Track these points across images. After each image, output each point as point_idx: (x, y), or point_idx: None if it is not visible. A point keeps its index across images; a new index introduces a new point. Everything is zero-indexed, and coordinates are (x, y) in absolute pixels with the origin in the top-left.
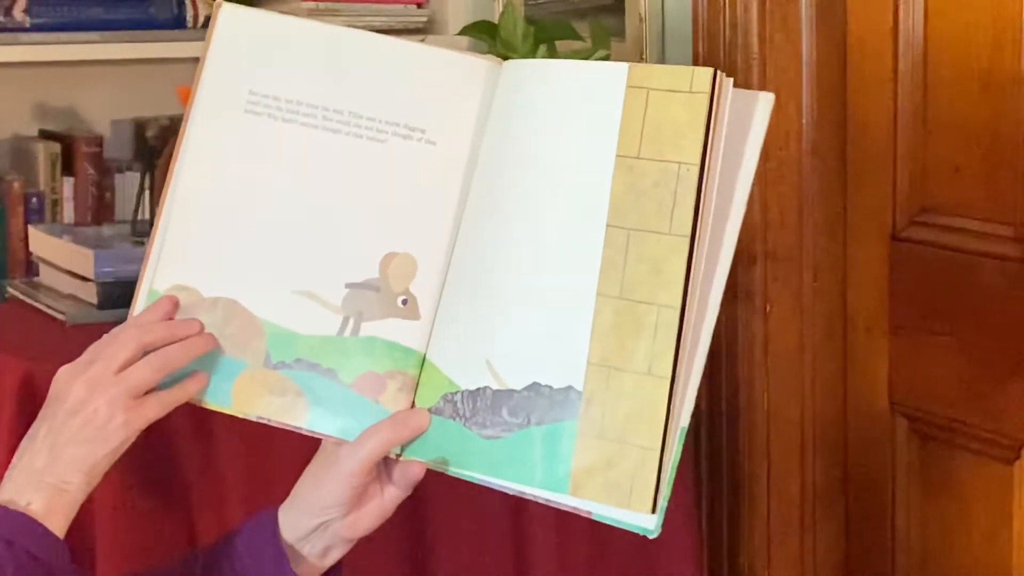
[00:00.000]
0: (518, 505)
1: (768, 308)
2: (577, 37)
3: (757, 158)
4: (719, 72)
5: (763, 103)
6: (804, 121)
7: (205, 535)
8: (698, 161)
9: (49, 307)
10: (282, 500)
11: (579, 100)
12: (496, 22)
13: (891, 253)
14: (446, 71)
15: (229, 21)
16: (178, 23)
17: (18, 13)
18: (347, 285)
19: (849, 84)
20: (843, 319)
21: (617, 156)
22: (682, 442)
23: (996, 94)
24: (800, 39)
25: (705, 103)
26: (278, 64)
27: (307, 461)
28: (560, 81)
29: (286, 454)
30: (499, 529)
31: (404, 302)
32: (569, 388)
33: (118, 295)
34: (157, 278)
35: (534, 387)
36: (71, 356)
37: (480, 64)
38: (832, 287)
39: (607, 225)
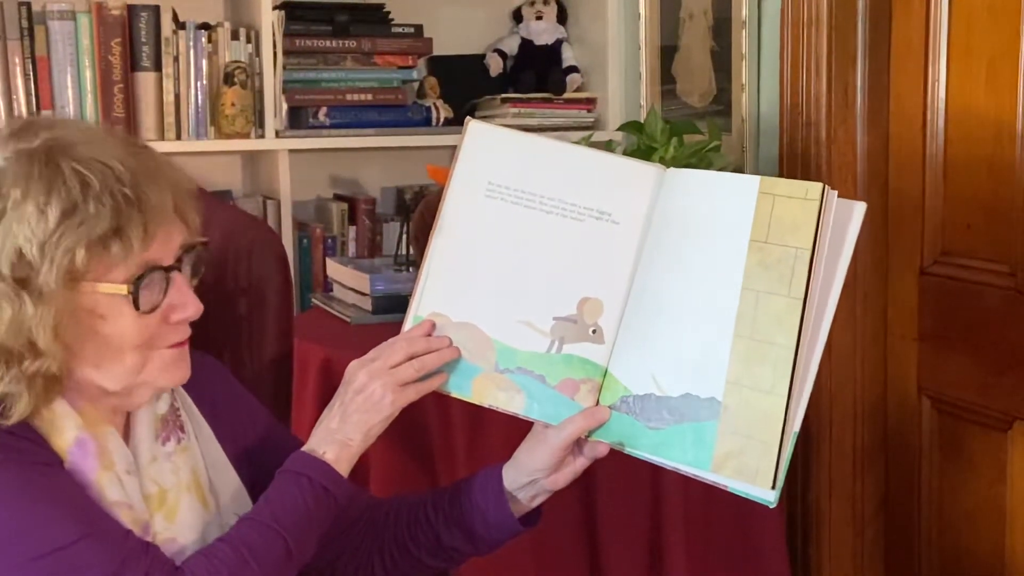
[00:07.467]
0: (655, 479)
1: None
2: (698, 132)
3: (853, 246)
4: (826, 186)
5: (858, 209)
6: (858, 191)
7: (442, 480)
8: (810, 247)
9: (339, 312)
10: (493, 462)
11: (724, 200)
12: (642, 121)
13: (920, 283)
14: (627, 172)
15: (475, 132)
16: (426, 123)
17: (322, 116)
18: (554, 318)
19: (890, 166)
20: (884, 329)
21: (751, 240)
22: (795, 443)
23: (996, 174)
24: (856, 134)
25: (816, 207)
26: (509, 163)
27: (506, 437)
28: (710, 187)
29: (493, 432)
30: (641, 496)
31: (594, 331)
32: (712, 398)
33: (385, 305)
34: (420, 307)
35: (686, 395)
36: (354, 347)
37: (651, 169)
38: (876, 306)
39: (742, 288)
